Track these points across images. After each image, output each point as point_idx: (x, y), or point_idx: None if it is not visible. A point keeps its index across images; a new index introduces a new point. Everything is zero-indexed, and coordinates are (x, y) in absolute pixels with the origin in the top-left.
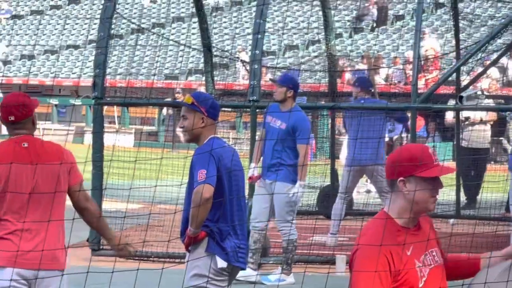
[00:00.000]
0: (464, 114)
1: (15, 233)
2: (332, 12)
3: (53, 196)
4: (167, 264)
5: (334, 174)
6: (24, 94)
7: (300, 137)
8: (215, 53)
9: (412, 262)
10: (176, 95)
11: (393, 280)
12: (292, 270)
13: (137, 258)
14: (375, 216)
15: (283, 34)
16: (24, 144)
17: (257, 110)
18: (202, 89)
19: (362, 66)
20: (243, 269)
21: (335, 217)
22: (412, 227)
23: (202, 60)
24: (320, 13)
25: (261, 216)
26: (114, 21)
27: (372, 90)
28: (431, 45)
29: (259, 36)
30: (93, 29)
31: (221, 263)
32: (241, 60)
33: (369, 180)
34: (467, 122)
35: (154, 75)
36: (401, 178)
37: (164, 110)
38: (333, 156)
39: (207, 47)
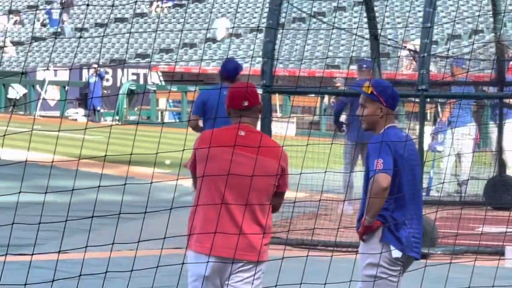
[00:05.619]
0: None
1: (214, 221)
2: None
3: (262, 191)
4: (336, 253)
5: (501, 164)
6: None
7: None
8: (381, 42)
9: None
10: (338, 84)
11: None
12: None
13: (304, 246)
14: None
15: (448, 23)
16: (241, 132)
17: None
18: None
19: None
20: (418, 259)
21: None
22: None
23: (364, 49)
24: (484, 1)
25: None
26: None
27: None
28: None
29: (429, 25)
30: (254, 17)
31: (396, 253)
32: (409, 49)
33: None
34: None
35: (322, 63)
36: None
37: (326, 99)
38: (500, 146)
39: (374, 36)
